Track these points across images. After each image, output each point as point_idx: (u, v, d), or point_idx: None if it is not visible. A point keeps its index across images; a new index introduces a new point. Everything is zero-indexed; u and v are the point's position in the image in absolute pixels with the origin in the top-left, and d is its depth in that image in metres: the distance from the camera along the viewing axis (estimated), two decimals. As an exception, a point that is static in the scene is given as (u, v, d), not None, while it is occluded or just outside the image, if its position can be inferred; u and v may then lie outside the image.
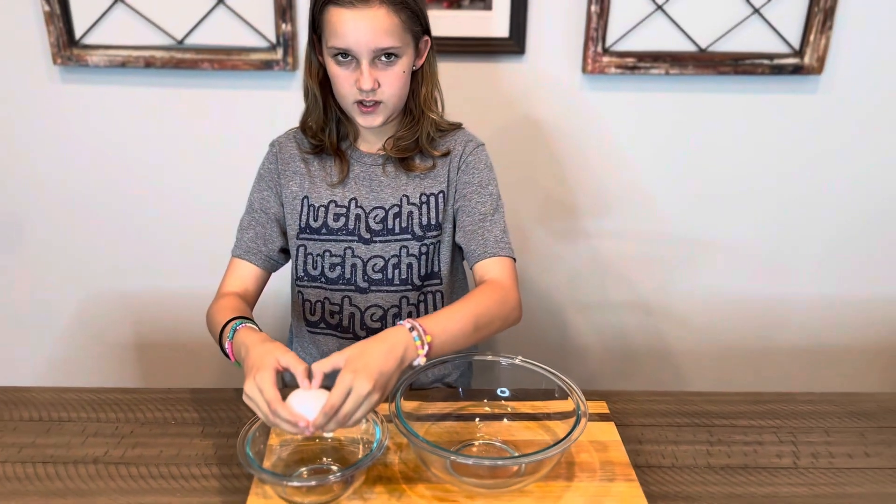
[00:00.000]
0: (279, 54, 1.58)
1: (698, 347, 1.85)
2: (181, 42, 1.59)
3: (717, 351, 1.85)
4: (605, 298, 1.81)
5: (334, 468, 0.98)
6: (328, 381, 0.92)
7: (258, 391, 0.89)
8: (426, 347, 0.95)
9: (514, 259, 1.17)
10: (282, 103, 1.61)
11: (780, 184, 1.71)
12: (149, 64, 1.59)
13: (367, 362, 0.89)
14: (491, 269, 1.14)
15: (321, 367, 0.92)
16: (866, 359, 1.88)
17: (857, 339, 1.85)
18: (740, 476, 1.03)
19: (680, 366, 1.85)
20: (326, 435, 1.00)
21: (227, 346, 1.04)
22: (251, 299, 1.20)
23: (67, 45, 1.58)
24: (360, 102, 1.12)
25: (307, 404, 0.88)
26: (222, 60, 1.59)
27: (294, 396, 0.90)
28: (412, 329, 0.95)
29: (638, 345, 1.85)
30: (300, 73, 1.59)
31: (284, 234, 1.23)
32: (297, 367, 0.92)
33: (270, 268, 1.23)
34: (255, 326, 1.04)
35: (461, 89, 1.52)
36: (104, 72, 1.62)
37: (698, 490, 1.00)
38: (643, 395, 1.21)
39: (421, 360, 0.95)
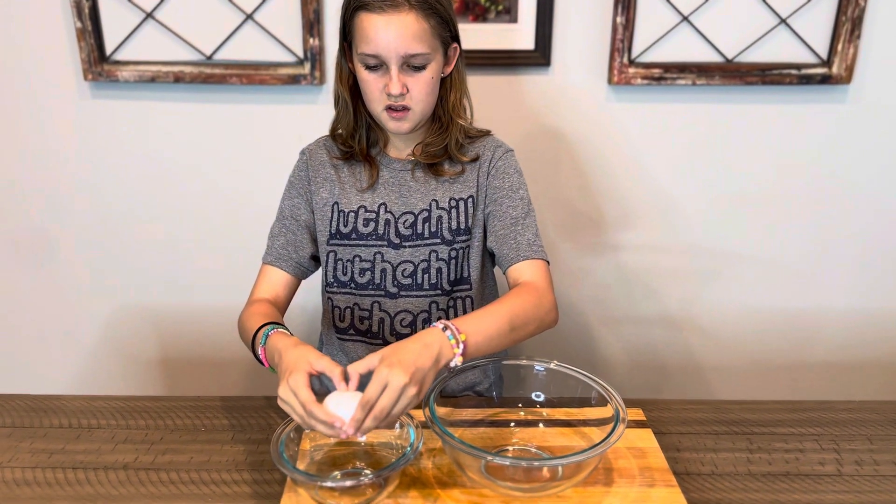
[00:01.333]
0: (307, 69, 1.60)
1: (728, 361, 1.82)
2: (210, 57, 1.60)
3: (747, 365, 1.82)
4: (632, 312, 1.79)
5: (367, 471, 0.97)
6: (363, 384, 0.91)
7: (292, 394, 0.88)
8: (461, 346, 0.93)
9: (548, 262, 1.16)
10: (310, 117, 1.62)
11: (809, 194, 1.69)
12: (178, 79, 1.61)
13: (402, 357, 0.88)
14: (525, 271, 1.13)
15: (356, 368, 0.91)
16: (901, 374, 1.84)
17: (892, 353, 1.81)
18: (783, 483, 1.00)
19: (710, 380, 1.82)
20: (360, 439, 0.98)
21: (259, 351, 1.04)
22: (282, 306, 1.19)
23: (98, 60, 1.60)
24: (390, 108, 1.12)
25: (343, 405, 0.87)
26: (250, 75, 1.60)
27: (330, 399, 0.89)
28: (445, 329, 0.94)
29: (667, 358, 1.82)
30: (328, 86, 1.60)
31: (314, 241, 1.23)
32: (332, 370, 0.91)
33: (301, 274, 1.23)
34: (287, 331, 1.04)
35: (487, 102, 1.53)
36: (134, 87, 1.64)
37: (740, 497, 0.97)
38: (679, 403, 1.19)
39: (457, 360, 0.94)
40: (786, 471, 1.03)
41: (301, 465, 0.96)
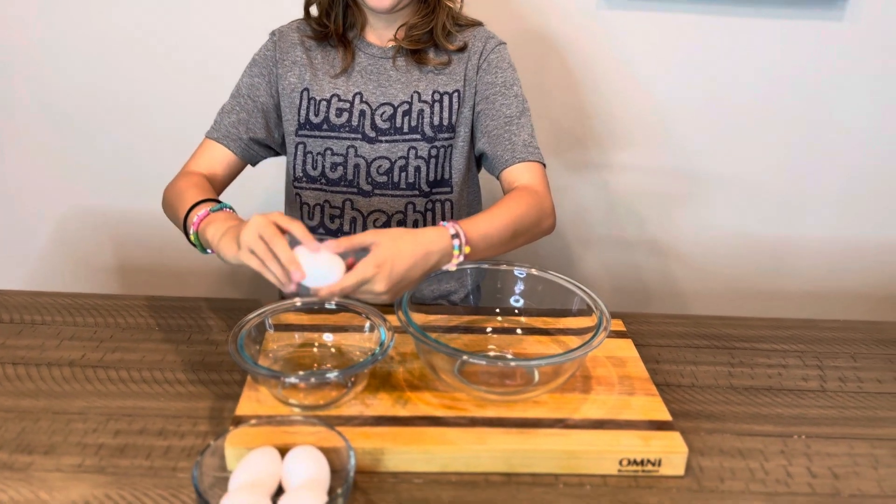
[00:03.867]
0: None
1: (709, 286, 1.78)
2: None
3: (728, 291, 1.79)
4: (613, 233, 1.73)
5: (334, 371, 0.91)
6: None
7: (254, 231, 0.80)
8: (461, 258, 0.87)
9: (544, 164, 1.09)
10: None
11: (800, 116, 1.64)
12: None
13: (395, 264, 0.82)
14: (521, 175, 1.05)
15: (350, 240, 0.83)
16: (881, 305, 1.82)
17: (871, 282, 1.80)
18: (765, 397, 0.97)
19: (691, 305, 1.79)
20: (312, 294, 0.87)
21: (196, 219, 0.93)
22: (217, 188, 1.10)
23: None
24: None
25: (312, 261, 0.80)
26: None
27: (299, 250, 0.82)
28: (455, 236, 0.88)
29: (648, 282, 1.78)
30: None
31: (268, 128, 1.13)
32: (304, 234, 0.82)
33: (247, 157, 1.13)
34: (237, 216, 0.95)
35: (468, 5, 1.42)
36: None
37: (721, 409, 0.94)
38: (659, 317, 1.15)
39: (451, 267, 0.88)
40: (768, 385, 0.99)
41: (264, 362, 0.90)
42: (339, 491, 0.71)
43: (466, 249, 0.88)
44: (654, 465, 0.82)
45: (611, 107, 1.62)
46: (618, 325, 1.06)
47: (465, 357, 0.82)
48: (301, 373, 0.90)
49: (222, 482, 0.75)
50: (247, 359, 0.82)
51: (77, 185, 1.70)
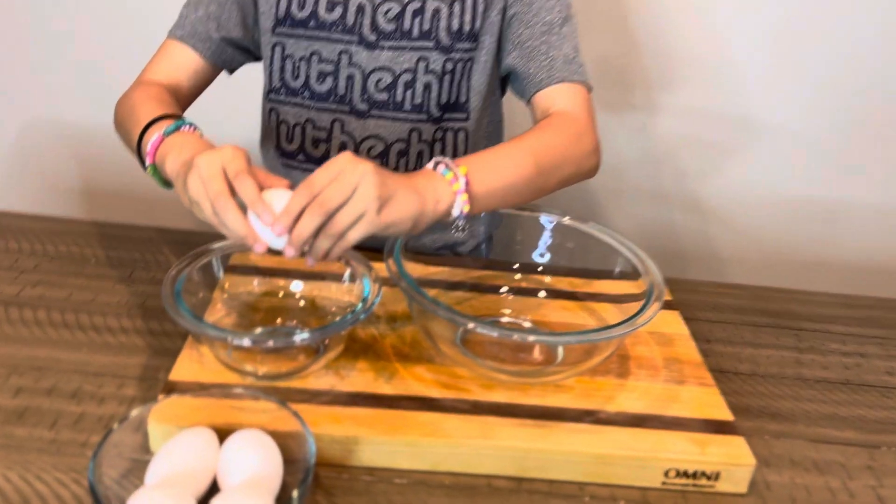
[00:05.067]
0: None
1: (751, 253, 1.57)
2: None
3: (773, 259, 1.57)
4: (648, 185, 1.52)
5: (301, 331, 0.71)
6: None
7: (197, 175, 0.61)
8: (463, 191, 0.66)
9: (590, 87, 0.87)
10: None
11: (878, 70, 1.40)
12: None
13: (381, 171, 0.62)
14: (559, 98, 0.84)
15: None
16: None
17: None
18: (842, 393, 0.77)
19: (730, 272, 1.58)
20: (287, 254, 0.67)
21: (150, 147, 0.72)
22: (182, 101, 0.88)
23: None
24: None
25: (275, 203, 0.61)
26: None
27: (268, 195, 0.62)
28: (437, 165, 0.67)
29: (684, 243, 1.56)
30: None
31: (244, 24, 0.90)
32: (265, 176, 0.63)
33: (218, 62, 0.91)
34: (202, 134, 0.74)
35: None
36: None
37: (790, 406, 0.74)
38: (710, 286, 0.94)
39: (460, 211, 0.67)
40: (845, 378, 0.80)
41: (211, 318, 0.70)
42: (294, 494, 0.52)
43: (462, 170, 0.67)
44: (709, 478, 0.63)
45: (663, 39, 1.38)
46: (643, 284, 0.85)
47: (470, 324, 0.62)
48: (257, 331, 0.70)
49: (142, 467, 0.56)
50: (184, 310, 0.62)
51: (38, 92, 1.48)
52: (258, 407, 0.59)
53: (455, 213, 0.66)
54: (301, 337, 0.60)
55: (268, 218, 0.60)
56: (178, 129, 0.71)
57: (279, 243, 0.61)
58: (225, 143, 0.63)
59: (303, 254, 0.63)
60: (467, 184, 0.66)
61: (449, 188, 0.66)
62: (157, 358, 0.71)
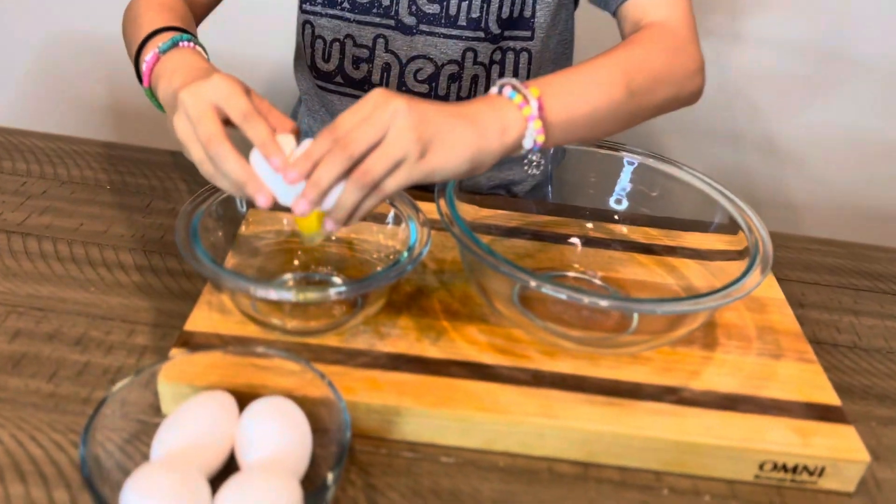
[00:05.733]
0: None
1: (828, 203, 1.43)
2: None
3: (851, 211, 1.43)
4: (719, 123, 1.38)
5: (337, 280, 0.62)
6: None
7: (204, 102, 0.50)
8: (536, 117, 0.55)
9: None
10: None
11: None
12: None
13: (422, 113, 0.50)
14: (654, 8, 0.70)
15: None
16: None
17: None
18: (962, 377, 0.66)
19: (805, 223, 1.44)
20: (298, 210, 0.57)
21: (145, 66, 0.61)
22: (198, 9, 0.77)
23: None
24: None
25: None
26: None
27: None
28: (522, 102, 0.54)
29: (757, 189, 1.43)
30: None
31: None
32: (269, 110, 0.53)
33: None
34: (203, 52, 0.63)
35: None
36: None
37: (900, 389, 0.64)
38: (801, 240, 0.83)
39: (533, 141, 0.55)
40: (963, 357, 0.68)
41: (232, 263, 0.61)
42: (328, 478, 0.43)
43: (534, 93, 0.55)
44: (811, 474, 0.53)
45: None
46: (743, 243, 0.74)
47: (532, 282, 0.51)
48: (286, 280, 0.61)
49: (151, 430, 0.48)
50: (201, 252, 0.53)
51: (60, 3, 1.38)
52: (285, 368, 0.50)
53: (527, 144, 0.55)
54: (337, 290, 0.51)
55: (278, 161, 0.49)
56: (175, 45, 0.60)
57: (290, 195, 0.50)
58: (217, 73, 0.52)
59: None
60: (540, 109, 0.54)
61: (518, 113, 0.54)
62: (175, 302, 0.62)
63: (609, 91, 0.59)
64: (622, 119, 0.61)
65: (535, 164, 0.59)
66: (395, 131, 0.49)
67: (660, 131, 1.40)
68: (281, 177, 0.49)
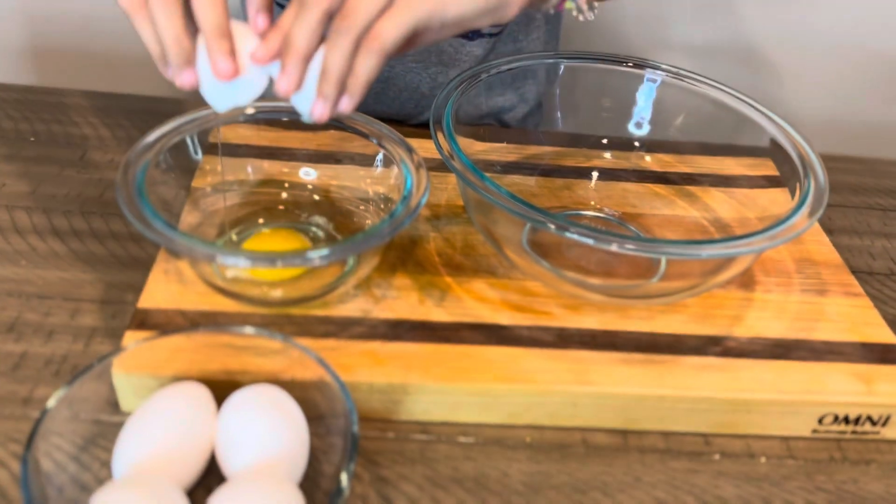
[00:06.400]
0: None
1: (843, 120, 1.37)
2: None
3: (868, 127, 1.37)
4: (697, 36, 1.29)
5: (319, 235, 0.52)
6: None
7: None
8: None
9: None
10: None
11: None
12: None
13: None
14: None
15: None
16: None
17: None
18: None
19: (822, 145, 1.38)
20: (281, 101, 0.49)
21: None
22: None
23: None
24: None
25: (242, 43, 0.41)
26: None
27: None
28: None
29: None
30: None
31: None
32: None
33: None
34: None
35: None
36: None
37: (947, 318, 0.58)
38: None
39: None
40: None
41: (188, 223, 0.51)
42: (342, 480, 0.35)
43: None
44: (875, 424, 0.47)
45: None
46: (766, 166, 0.66)
47: (551, 225, 0.42)
48: (264, 232, 0.51)
49: (110, 431, 0.39)
50: (150, 213, 0.43)
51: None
52: (266, 347, 0.41)
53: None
54: (319, 254, 0.42)
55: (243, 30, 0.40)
56: None
57: (259, 75, 0.41)
58: None
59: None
60: None
61: None
62: (124, 272, 0.53)
63: None
64: None
65: (583, 11, 0.47)
66: (373, 55, 0.39)
67: (633, 45, 1.30)
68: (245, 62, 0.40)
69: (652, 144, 0.60)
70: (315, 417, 0.41)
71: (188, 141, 0.50)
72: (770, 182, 0.61)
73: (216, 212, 0.52)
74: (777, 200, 0.57)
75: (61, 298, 0.50)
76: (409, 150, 0.49)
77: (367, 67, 0.40)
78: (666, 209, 0.59)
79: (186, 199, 0.52)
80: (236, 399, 0.40)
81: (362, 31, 0.39)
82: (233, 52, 0.40)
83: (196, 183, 0.53)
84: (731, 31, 1.30)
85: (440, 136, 0.48)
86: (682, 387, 0.45)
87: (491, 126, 0.75)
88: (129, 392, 0.42)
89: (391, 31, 0.39)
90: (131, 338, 0.44)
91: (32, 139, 0.65)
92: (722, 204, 0.59)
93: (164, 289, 0.47)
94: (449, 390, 0.44)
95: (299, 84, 0.40)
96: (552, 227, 0.43)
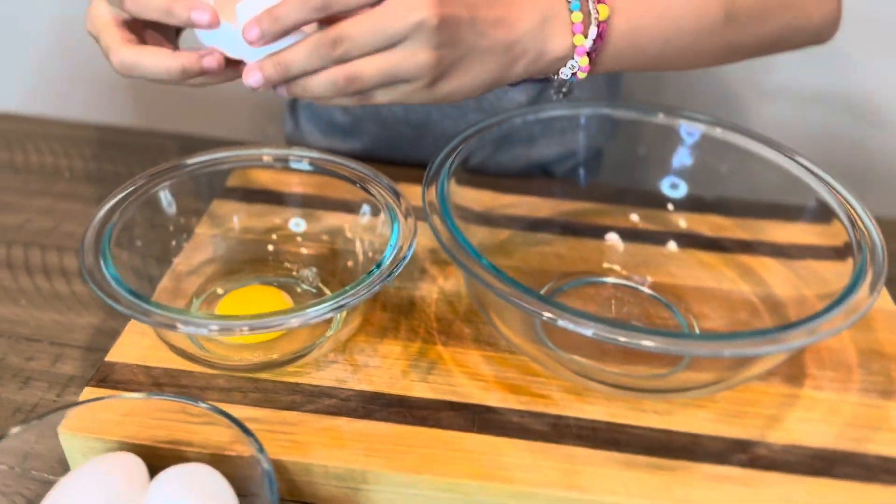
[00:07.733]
0: None
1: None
2: None
3: None
4: (803, 81, 1.18)
5: (308, 289, 0.49)
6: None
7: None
8: (572, 77, 0.42)
9: None
10: None
11: None
12: None
13: (453, 29, 0.39)
14: None
15: None
16: None
17: None
18: None
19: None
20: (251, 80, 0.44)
21: None
22: None
23: None
24: None
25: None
26: None
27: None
28: (580, 25, 0.42)
29: (857, 160, 1.23)
30: None
31: None
32: None
33: None
34: None
35: None
36: None
37: None
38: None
39: (576, 65, 0.43)
40: None
41: (183, 268, 0.49)
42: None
43: (581, 74, 0.42)
44: (942, 571, 0.38)
45: None
46: (835, 234, 0.57)
47: (545, 314, 0.37)
48: (225, 311, 0.48)
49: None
50: (111, 275, 0.40)
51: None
52: (214, 419, 0.38)
53: (564, 74, 0.43)
54: (287, 320, 0.38)
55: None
56: None
57: (246, 53, 0.40)
58: None
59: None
60: (600, 36, 0.42)
61: (567, 40, 0.42)
62: (117, 318, 0.51)
63: (700, 10, 0.44)
64: (711, 51, 0.46)
65: (562, 92, 0.45)
66: (412, 49, 0.38)
67: (729, 88, 1.21)
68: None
69: (700, 204, 0.53)
70: (250, 495, 0.37)
71: (160, 195, 0.47)
72: (841, 254, 0.52)
73: (207, 262, 0.50)
74: (843, 274, 0.48)
75: (48, 342, 0.49)
76: (398, 196, 0.45)
77: (324, 93, 0.39)
78: (711, 281, 0.52)
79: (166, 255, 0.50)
80: (164, 479, 0.36)
81: (356, 90, 0.39)
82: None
83: (200, 229, 0.51)
84: (837, 71, 1.19)
85: (430, 190, 0.43)
86: (690, 501, 0.38)
87: (516, 178, 0.69)
88: (77, 452, 0.40)
89: (383, 100, 0.40)
90: (90, 393, 0.42)
91: (67, 175, 0.65)
92: (779, 277, 0.51)
93: (136, 342, 0.45)
94: (412, 482, 0.39)
95: (266, 41, 0.39)
96: (545, 314, 0.37)
